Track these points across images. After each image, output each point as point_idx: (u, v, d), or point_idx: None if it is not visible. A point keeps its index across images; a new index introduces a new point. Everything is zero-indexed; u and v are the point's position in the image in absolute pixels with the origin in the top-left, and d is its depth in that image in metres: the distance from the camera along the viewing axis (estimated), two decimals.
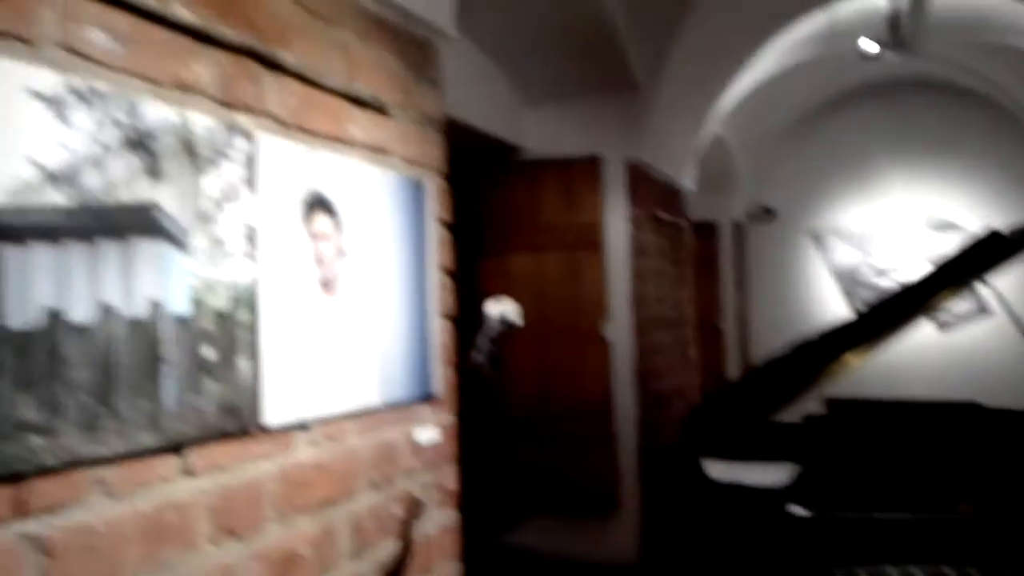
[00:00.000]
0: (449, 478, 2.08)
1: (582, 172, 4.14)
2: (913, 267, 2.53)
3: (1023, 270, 5.84)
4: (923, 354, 6.12)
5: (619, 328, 4.10)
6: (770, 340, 6.09)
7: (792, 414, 2.57)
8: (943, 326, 6.35)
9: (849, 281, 6.76)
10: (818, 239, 6.91)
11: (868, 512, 2.09)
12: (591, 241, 4.11)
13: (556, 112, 4.20)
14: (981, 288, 5.85)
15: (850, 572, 2.03)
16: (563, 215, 4.15)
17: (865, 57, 4.87)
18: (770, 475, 2.31)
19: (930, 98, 6.50)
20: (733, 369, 6.55)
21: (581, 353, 4.09)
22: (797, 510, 2.13)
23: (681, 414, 4.52)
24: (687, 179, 5.27)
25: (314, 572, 1.53)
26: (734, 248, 6.86)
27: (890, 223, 6.67)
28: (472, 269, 4.11)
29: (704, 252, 6.38)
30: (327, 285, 1.62)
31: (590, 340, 4.09)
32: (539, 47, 3.78)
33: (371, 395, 1.75)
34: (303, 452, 1.53)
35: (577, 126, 4.18)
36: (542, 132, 4.20)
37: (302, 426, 1.53)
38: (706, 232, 6.54)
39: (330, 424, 1.61)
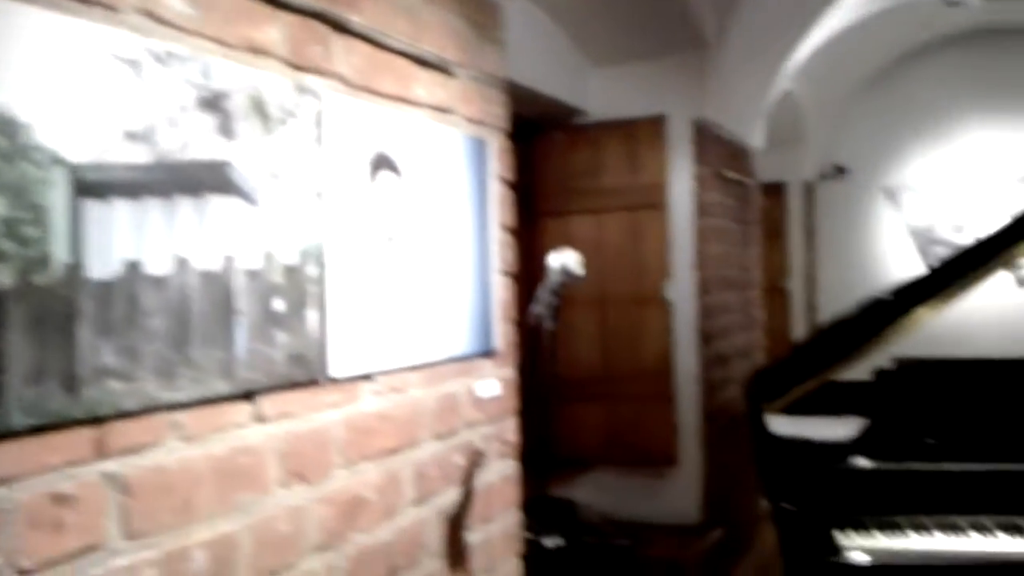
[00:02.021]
0: (510, 430, 2.13)
1: (646, 132, 4.08)
2: (994, 223, 2.42)
3: None
4: (1000, 312, 5.98)
5: (681, 289, 4.07)
6: (838, 301, 5.94)
7: (862, 371, 2.52)
8: (1022, 283, 6.13)
9: (925, 239, 6.52)
10: (893, 196, 6.68)
11: (937, 464, 2.08)
12: (654, 202, 4.07)
13: (620, 73, 4.14)
14: None
15: (915, 521, 2.03)
16: (626, 176, 4.11)
17: (950, 3, 4.63)
18: (836, 430, 2.30)
19: (1015, 46, 6.15)
20: (799, 330, 6.43)
21: (643, 314, 4.09)
22: (862, 462, 2.13)
23: (745, 374, 4.48)
24: (755, 137, 5.14)
25: (379, 516, 1.60)
26: (803, 208, 6.69)
27: (970, 178, 6.39)
28: (532, 231, 4.12)
29: (772, 212, 6.24)
30: (391, 242, 1.66)
31: (652, 301, 4.08)
32: (603, 7, 3.72)
33: (433, 349, 1.80)
34: (368, 402, 1.59)
35: (642, 86, 4.12)
36: (606, 94, 4.15)
37: (367, 377, 1.58)
38: (775, 192, 6.39)
39: (394, 376, 1.67)
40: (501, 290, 2.09)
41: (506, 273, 2.12)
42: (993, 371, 2.31)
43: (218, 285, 1.24)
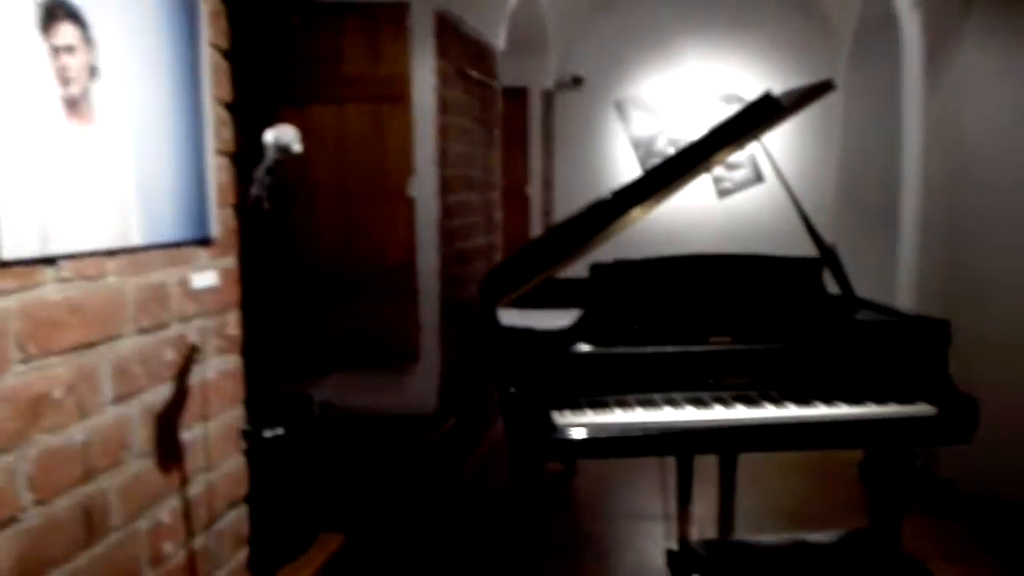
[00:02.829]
0: (230, 324, 2.01)
1: (388, 19, 3.93)
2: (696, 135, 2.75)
3: (795, 137, 6.50)
4: (704, 219, 6.81)
5: (424, 186, 4.06)
6: (573, 204, 6.32)
7: (582, 266, 2.69)
8: (723, 193, 6.95)
9: (645, 150, 7.08)
10: (620, 109, 7.13)
11: (639, 348, 2.30)
12: (397, 94, 3.97)
13: None
14: (756, 153, 6.35)
15: (620, 399, 2.25)
16: (368, 65, 3.96)
17: None
18: (556, 320, 2.45)
19: None
20: (536, 231, 6.76)
21: (385, 210, 4.04)
22: (577, 348, 2.29)
23: (483, 272, 4.64)
24: (499, 38, 5.17)
25: (71, 416, 1.44)
26: (543, 115, 6.93)
27: (686, 95, 7.00)
28: (272, 120, 3.86)
29: (514, 118, 6.39)
30: (75, 107, 1.44)
31: (395, 198, 4.03)
32: None
33: (134, 234, 1.62)
34: (51, 290, 1.40)
35: None
36: None
37: (49, 261, 1.39)
38: (517, 98, 6.53)
39: (85, 261, 1.48)
40: (219, 172, 1.92)
41: (224, 153, 1.95)
42: (693, 266, 2.56)
43: None
